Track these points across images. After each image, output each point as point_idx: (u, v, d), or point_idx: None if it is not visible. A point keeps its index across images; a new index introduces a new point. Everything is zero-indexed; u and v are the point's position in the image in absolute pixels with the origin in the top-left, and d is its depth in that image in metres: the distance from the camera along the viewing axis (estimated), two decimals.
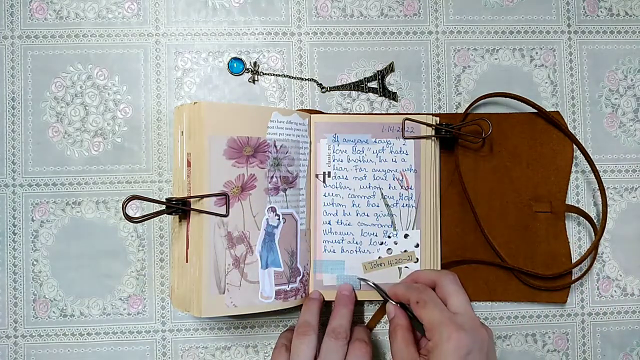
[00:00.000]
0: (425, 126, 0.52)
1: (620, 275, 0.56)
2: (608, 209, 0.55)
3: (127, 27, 0.54)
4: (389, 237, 0.52)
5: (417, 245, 0.52)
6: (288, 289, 0.49)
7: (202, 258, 0.46)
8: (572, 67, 0.57)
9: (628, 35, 0.57)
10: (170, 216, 0.50)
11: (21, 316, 0.52)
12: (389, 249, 0.52)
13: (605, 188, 0.54)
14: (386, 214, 0.53)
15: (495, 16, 0.56)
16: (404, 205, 0.52)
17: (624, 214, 0.56)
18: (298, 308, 0.53)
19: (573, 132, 0.55)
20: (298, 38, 0.55)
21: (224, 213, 0.46)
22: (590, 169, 0.54)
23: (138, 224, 0.53)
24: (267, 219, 0.48)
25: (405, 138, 0.52)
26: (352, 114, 0.55)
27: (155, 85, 0.54)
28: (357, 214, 0.53)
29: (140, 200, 0.45)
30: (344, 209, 0.53)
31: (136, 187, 0.53)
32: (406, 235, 0.52)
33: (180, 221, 0.48)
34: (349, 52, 0.55)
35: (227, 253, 0.46)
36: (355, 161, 0.53)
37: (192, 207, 0.46)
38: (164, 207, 0.46)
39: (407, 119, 0.52)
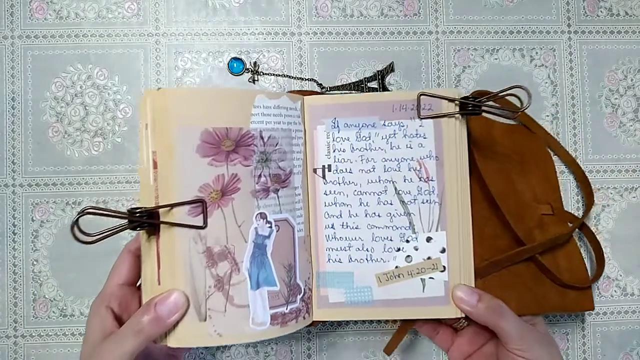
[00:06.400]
0: (447, 102, 0.42)
1: (620, 275, 0.56)
2: (607, 209, 0.55)
3: (127, 27, 0.54)
4: (407, 241, 0.43)
5: (443, 251, 0.43)
6: (287, 310, 0.41)
7: (177, 280, 0.38)
8: (572, 67, 0.57)
9: (628, 35, 0.57)
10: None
11: (21, 316, 0.52)
12: (408, 256, 0.43)
13: (606, 188, 0.55)
14: (402, 214, 0.44)
15: (495, 16, 0.56)
16: (424, 201, 0.43)
17: (624, 214, 0.56)
18: None
19: (573, 132, 0.55)
20: (298, 38, 0.55)
21: (201, 224, 0.38)
22: (564, 160, 0.54)
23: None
24: (255, 227, 0.40)
25: (421, 118, 0.43)
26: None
27: (155, 86, 0.54)
28: (365, 215, 0.44)
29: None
30: (349, 210, 0.44)
31: (136, 187, 0.53)
32: (429, 239, 0.43)
33: (149, 236, 0.39)
34: (349, 52, 0.55)
35: (206, 273, 0.39)
36: (360, 150, 0.44)
37: (160, 219, 0.38)
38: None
39: (422, 93, 0.42)
